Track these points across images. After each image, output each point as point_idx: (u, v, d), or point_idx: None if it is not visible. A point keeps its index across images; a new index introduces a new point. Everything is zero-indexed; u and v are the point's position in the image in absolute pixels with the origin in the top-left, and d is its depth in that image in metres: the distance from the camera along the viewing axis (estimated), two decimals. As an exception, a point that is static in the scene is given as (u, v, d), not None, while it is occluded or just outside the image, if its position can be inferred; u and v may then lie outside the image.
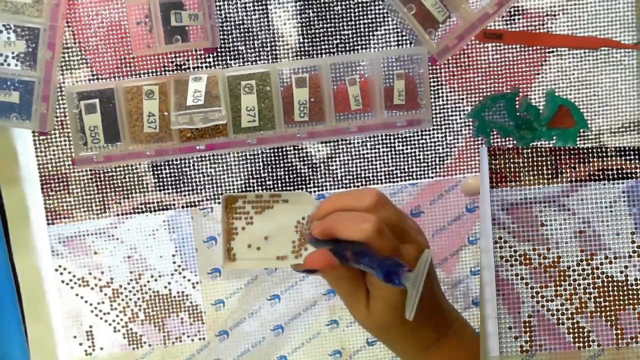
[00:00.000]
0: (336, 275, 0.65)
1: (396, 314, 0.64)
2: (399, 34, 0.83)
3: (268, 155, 0.85)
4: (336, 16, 0.83)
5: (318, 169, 0.86)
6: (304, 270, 0.64)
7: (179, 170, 0.85)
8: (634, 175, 0.85)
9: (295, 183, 0.86)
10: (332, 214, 0.66)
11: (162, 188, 0.86)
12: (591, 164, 0.85)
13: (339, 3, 0.83)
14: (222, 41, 0.83)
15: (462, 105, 0.85)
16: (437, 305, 0.69)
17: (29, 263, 0.86)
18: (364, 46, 0.84)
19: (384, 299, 0.64)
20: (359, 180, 0.86)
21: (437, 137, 0.85)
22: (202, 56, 0.83)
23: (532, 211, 0.86)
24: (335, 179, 0.86)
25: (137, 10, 0.82)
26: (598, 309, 0.88)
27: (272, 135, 0.83)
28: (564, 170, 0.86)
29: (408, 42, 0.84)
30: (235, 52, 0.83)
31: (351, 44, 0.83)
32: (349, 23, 0.83)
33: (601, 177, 0.85)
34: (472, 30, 0.80)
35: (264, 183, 0.86)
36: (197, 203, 0.86)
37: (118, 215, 0.86)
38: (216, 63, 0.83)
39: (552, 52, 0.84)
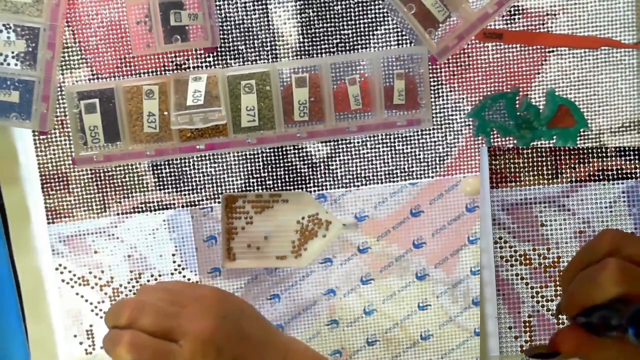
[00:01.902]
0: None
1: None
2: (399, 34, 0.83)
3: (268, 154, 0.85)
4: (336, 16, 0.83)
5: (318, 169, 0.86)
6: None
7: (179, 169, 0.85)
8: (634, 176, 0.85)
9: (295, 183, 0.86)
10: (106, 334, 0.64)
11: (162, 187, 0.86)
12: (591, 164, 0.85)
13: (339, 2, 0.83)
14: (222, 41, 0.83)
15: (462, 104, 0.85)
16: None
17: (29, 262, 0.86)
18: (364, 46, 0.84)
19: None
20: (359, 180, 0.86)
21: (437, 137, 0.85)
22: (202, 56, 0.83)
23: (532, 211, 0.86)
24: (335, 179, 0.86)
25: (137, 10, 0.82)
26: (598, 309, 0.88)
27: (272, 135, 0.83)
28: (564, 171, 0.86)
29: (408, 41, 0.84)
30: (235, 52, 0.83)
31: (351, 43, 0.83)
32: (349, 22, 0.83)
33: (601, 177, 0.85)
34: (472, 30, 0.80)
35: (263, 183, 0.86)
36: (197, 202, 0.86)
37: (118, 214, 0.86)
38: (216, 63, 0.84)
39: (552, 51, 0.84)
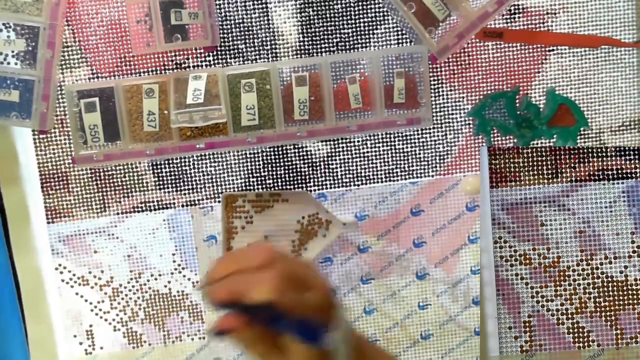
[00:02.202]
0: (248, 337, 0.62)
1: None
2: (399, 33, 0.84)
3: (268, 153, 0.85)
4: (336, 15, 0.83)
5: (318, 168, 0.86)
6: (216, 333, 0.61)
7: (179, 169, 0.85)
8: (634, 175, 0.85)
9: (296, 182, 0.86)
10: (229, 277, 0.63)
11: (162, 187, 0.86)
12: (591, 164, 0.85)
13: (339, 1, 0.83)
14: (222, 40, 0.83)
15: (463, 103, 0.85)
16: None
17: (29, 262, 0.86)
18: (364, 45, 0.84)
19: (303, 358, 0.61)
20: (359, 179, 0.86)
21: (438, 136, 0.85)
22: (202, 55, 0.83)
23: (532, 211, 0.87)
24: (336, 178, 0.86)
25: (137, 9, 0.82)
26: (598, 309, 0.88)
27: (272, 133, 0.83)
28: (564, 170, 0.86)
29: (408, 40, 0.84)
30: (235, 51, 0.83)
31: (351, 42, 0.84)
32: (349, 21, 0.83)
33: (601, 177, 0.85)
34: (472, 29, 0.80)
35: (264, 182, 0.86)
36: (197, 202, 0.86)
37: (118, 214, 0.86)
38: (216, 62, 0.84)
39: (553, 50, 0.84)
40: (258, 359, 0.64)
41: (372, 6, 0.83)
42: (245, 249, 0.65)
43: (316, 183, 0.86)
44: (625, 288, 0.87)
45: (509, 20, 0.83)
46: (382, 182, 0.86)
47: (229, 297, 0.60)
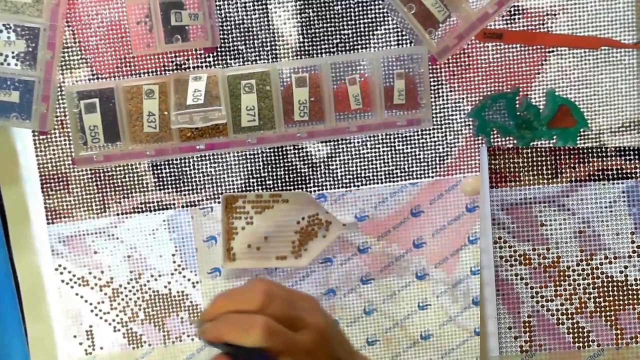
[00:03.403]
0: None
1: None
2: (399, 34, 0.83)
3: (268, 154, 0.85)
4: (336, 16, 0.83)
5: (318, 169, 0.86)
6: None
7: (179, 169, 0.85)
8: (634, 175, 0.85)
9: (295, 183, 0.86)
10: (223, 316, 0.63)
11: (162, 187, 0.86)
12: (591, 164, 0.85)
13: (339, 2, 0.83)
14: (222, 41, 0.83)
15: (462, 104, 0.85)
16: None
17: (29, 262, 0.86)
18: (364, 46, 0.84)
19: None
20: (359, 180, 0.86)
21: (437, 137, 0.85)
22: (202, 56, 0.83)
23: (532, 211, 0.87)
24: (336, 179, 0.86)
25: (137, 10, 0.82)
26: (598, 309, 0.88)
27: (272, 134, 0.83)
28: (564, 170, 0.86)
29: (408, 41, 0.84)
30: (235, 52, 0.83)
31: (351, 43, 0.83)
32: (349, 22, 0.83)
33: (601, 177, 0.85)
34: (472, 30, 0.80)
35: (264, 183, 0.86)
36: (197, 203, 0.86)
37: (118, 214, 0.86)
38: (216, 62, 0.84)
39: (552, 51, 0.84)
40: None
41: (372, 7, 0.83)
42: (243, 289, 0.65)
43: (316, 184, 0.86)
44: (625, 288, 0.87)
45: (508, 22, 0.83)
46: (382, 183, 0.86)
47: (219, 338, 0.61)
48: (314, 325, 0.63)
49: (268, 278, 0.88)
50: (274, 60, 0.83)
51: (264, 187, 0.86)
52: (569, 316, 0.88)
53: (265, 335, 0.59)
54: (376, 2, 0.83)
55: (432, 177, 0.86)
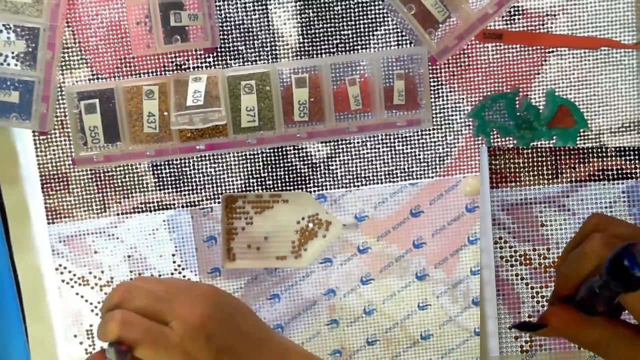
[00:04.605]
0: None
1: None
2: (399, 34, 0.83)
3: (268, 155, 0.85)
4: (336, 16, 0.83)
5: (318, 169, 0.86)
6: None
7: (179, 170, 0.85)
8: (634, 176, 0.85)
9: (295, 183, 0.86)
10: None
11: (162, 188, 0.86)
12: (591, 164, 0.85)
13: (338, 3, 0.83)
14: (221, 41, 0.83)
15: (462, 105, 0.85)
16: None
17: (30, 262, 0.86)
18: (363, 46, 0.84)
19: None
20: (359, 180, 0.86)
21: (437, 137, 0.85)
22: (202, 56, 0.83)
23: (532, 211, 0.87)
24: (335, 179, 0.86)
25: (137, 10, 0.82)
26: (598, 309, 0.88)
27: (272, 135, 0.83)
28: (564, 171, 0.86)
29: (408, 42, 0.84)
30: (235, 52, 0.83)
31: (351, 44, 0.83)
32: (349, 23, 0.83)
33: (601, 177, 0.85)
34: (472, 30, 0.80)
35: (263, 183, 0.86)
36: (197, 203, 0.86)
37: (118, 214, 0.86)
38: (216, 63, 0.84)
39: (552, 52, 0.84)
40: None
41: (372, 7, 0.83)
42: (114, 287, 0.67)
43: (316, 184, 0.86)
44: (625, 288, 0.87)
45: (508, 22, 0.83)
46: (381, 183, 0.86)
47: (100, 339, 0.63)
48: (183, 316, 0.62)
49: (270, 278, 0.88)
50: (274, 60, 0.83)
51: (264, 187, 0.86)
52: (569, 316, 0.88)
53: (122, 326, 0.60)
54: (376, 2, 0.83)
55: (432, 177, 0.86)
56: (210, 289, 0.68)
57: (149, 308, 0.63)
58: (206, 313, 0.63)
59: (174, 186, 0.86)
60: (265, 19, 0.83)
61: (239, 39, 0.83)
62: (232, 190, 0.86)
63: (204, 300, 0.65)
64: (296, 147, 0.85)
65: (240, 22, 0.83)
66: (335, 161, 0.86)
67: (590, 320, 0.54)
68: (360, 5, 0.83)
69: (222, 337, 0.64)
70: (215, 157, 0.85)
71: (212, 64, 0.84)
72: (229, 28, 0.83)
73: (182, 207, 0.86)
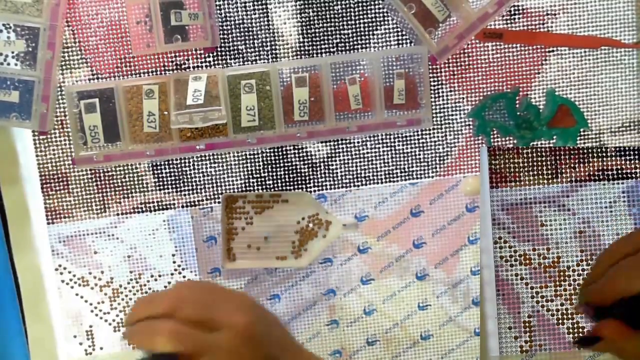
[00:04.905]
0: None
1: None
2: (399, 34, 0.83)
3: (268, 154, 0.85)
4: (336, 15, 0.83)
5: (318, 169, 0.86)
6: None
7: (179, 169, 0.85)
8: (634, 175, 0.85)
9: (295, 183, 0.86)
10: (141, 322, 0.63)
11: (162, 188, 0.86)
12: (591, 164, 0.85)
13: (338, 2, 0.83)
14: (222, 40, 0.83)
15: (462, 104, 0.85)
16: None
17: (29, 262, 0.86)
18: (364, 45, 0.84)
19: None
20: (359, 180, 0.86)
21: (437, 137, 0.85)
22: (202, 55, 0.83)
23: (532, 211, 0.87)
24: (336, 179, 0.86)
25: (137, 10, 0.82)
26: (598, 309, 0.88)
27: (272, 134, 0.83)
28: (564, 170, 0.86)
29: (408, 41, 0.84)
30: (235, 52, 0.83)
31: (351, 43, 0.83)
32: (349, 22, 0.83)
33: (601, 177, 0.85)
34: (472, 30, 0.80)
35: (264, 183, 0.86)
36: (197, 203, 0.86)
37: (118, 214, 0.86)
38: (216, 62, 0.84)
39: (552, 51, 0.84)
40: None
41: (372, 7, 0.83)
42: (157, 294, 0.66)
43: (316, 184, 0.86)
44: (625, 288, 0.87)
45: (508, 21, 0.83)
46: (382, 183, 0.86)
47: (132, 344, 0.61)
48: (232, 325, 0.62)
49: (270, 278, 0.88)
50: (274, 60, 0.83)
51: (264, 187, 0.86)
52: (569, 316, 0.88)
53: (172, 339, 0.59)
54: (376, 2, 0.83)
55: (432, 177, 0.86)
56: (249, 298, 0.68)
57: (197, 317, 0.62)
58: (252, 322, 0.63)
59: (174, 186, 0.86)
60: (265, 19, 0.83)
61: (239, 38, 0.83)
62: (232, 190, 0.86)
63: (248, 309, 0.65)
64: (296, 147, 0.85)
65: (240, 21, 0.83)
66: (335, 161, 0.86)
67: (637, 332, 0.54)
68: (360, 4, 0.83)
69: (267, 345, 0.64)
70: (215, 157, 0.85)
71: (212, 63, 0.84)
72: (229, 27, 0.83)
73: (182, 207, 0.86)
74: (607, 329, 0.55)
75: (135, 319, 0.62)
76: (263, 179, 0.86)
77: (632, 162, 0.85)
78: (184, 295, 0.63)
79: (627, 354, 0.55)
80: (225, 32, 0.83)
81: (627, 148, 0.85)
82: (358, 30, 0.83)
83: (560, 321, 0.88)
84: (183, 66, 0.83)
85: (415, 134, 0.85)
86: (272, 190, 0.86)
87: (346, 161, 0.86)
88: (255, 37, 0.83)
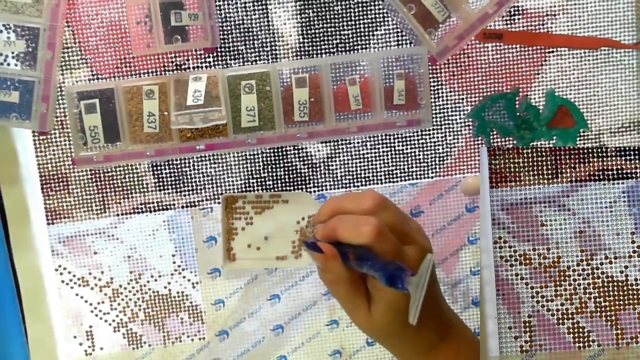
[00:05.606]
0: (335, 277, 0.65)
1: (399, 317, 0.64)
2: (399, 34, 0.83)
3: (268, 155, 0.85)
4: (336, 16, 0.83)
5: (318, 169, 0.86)
6: (308, 244, 0.65)
7: (179, 170, 0.85)
8: (634, 175, 0.85)
9: (295, 183, 0.86)
10: (334, 217, 0.66)
11: (162, 188, 0.86)
12: (591, 164, 0.85)
13: (338, 3, 0.83)
14: (222, 41, 0.83)
15: (462, 105, 0.85)
16: (439, 309, 0.70)
17: (29, 263, 0.86)
18: (363, 46, 0.84)
19: (387, 303, 0.64)
20: (359, 180, 0.86)
21: (437, 137, 0.85)
22: (202, 56, 0.83)
23: (532, 211, 0.86)
24: (335, 179, 0.86)
25: (137, 10, 0.82)
26: (598, 309, 0.88)
27: (272, 135, 0.83)
28: (564, 170, 0.86)
29: (408, 42, 0.84)
30: (235, 52, 0.83)
31: (351, 43, 0.83)
32: (349, 23, 0.83)
33: (601, 177, 0.85)
34: (472, 30, 0.80)
35: (264, 183, 0.86)
36: (197, 203, 0.86)
37: (118, 215, 0.86)
38: (216, 63, 0.84)
39: (552, 52, 0.84)
40: (343, 302, 0.67)
41: (372, 7, 0.83)
42: (355, 194, 0.68)
43: (316, 184, 0.86)
44: (625, 288, 0.87)
45: (508, 22, 0.83)
46: (381, 183, 0.86)
47: (331, 236, 0.64)
48: (422, 246, 0.66)
49: (270, 278, 0.88)
50: (274, 60, 0.83)
51: (264, 187, 0.86)
52: (569, 316, 0.88)
53: (377, 235, 0.61)
54: (376, 2, 0.83)
55: (432, 177, 0.86)
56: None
57: (397, 226, 0.65)
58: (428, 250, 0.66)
59: (174, 186, 0.86)
60: (265, 19, 0.83)
61: (239, 38, 0.83)
62: (232, 191, 0.86)
63: (426, 240, 0.69)
64: (296, 147, 0.85)
65: (240, 22, 0.83)
66: (335, 161, 0.86)
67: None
68: (360, 5, 0.83)
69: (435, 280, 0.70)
70: (215, 157, 0.85)
71: (212, 63, 0.83)
72: (229, 28, 0.83)
73: (182, 207, 0.86)
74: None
75: (328, 214, 0.67)
76: (263, 180, 0.86)
77: (632, 162, 0.85)
78: (386, 201, 0.66)
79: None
80: (225, 32, 0.83)
81: (627, 148, 0.85)
82: (358, 30, 0.83)
83: (560, 321, 0.88)
84: (183, 66, 0.83)
85: (415, 134, 0.85)
86: (272, 190, 0.86)
87: (346, 161, 0.86)
88: (255, 37, 0.83)
